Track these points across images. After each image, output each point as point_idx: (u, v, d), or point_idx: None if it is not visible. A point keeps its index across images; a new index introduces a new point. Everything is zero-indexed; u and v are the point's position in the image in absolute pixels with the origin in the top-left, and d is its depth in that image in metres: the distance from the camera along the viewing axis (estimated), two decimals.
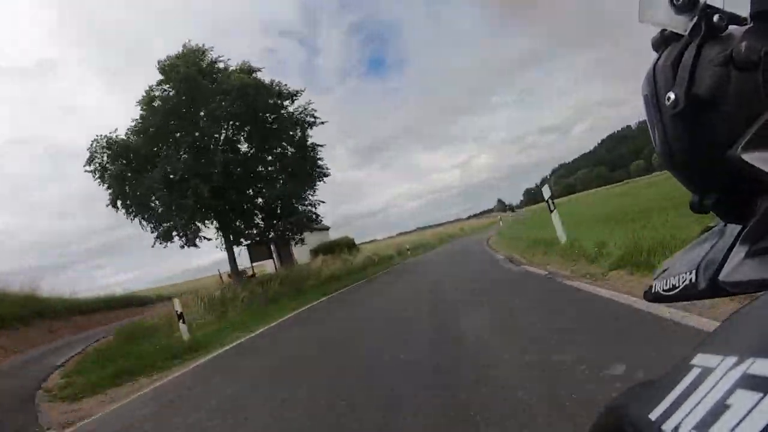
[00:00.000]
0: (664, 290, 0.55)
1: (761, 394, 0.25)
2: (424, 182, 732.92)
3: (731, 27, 0.41)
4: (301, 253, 24.86)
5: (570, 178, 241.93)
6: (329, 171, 19.61)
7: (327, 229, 28.86)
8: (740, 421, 0.25)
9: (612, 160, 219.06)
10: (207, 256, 28.42)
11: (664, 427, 0.31)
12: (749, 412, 0.25)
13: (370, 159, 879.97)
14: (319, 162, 19.12)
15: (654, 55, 0.47)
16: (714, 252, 0.47)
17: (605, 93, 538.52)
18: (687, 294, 0.50)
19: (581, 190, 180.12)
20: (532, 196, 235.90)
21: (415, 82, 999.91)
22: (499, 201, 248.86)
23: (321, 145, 19.35)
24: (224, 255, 17.78)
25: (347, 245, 27.18)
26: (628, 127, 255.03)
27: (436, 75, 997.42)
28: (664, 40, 0.46)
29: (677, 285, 0.52)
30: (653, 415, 0.33)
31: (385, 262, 24.34)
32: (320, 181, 19.28)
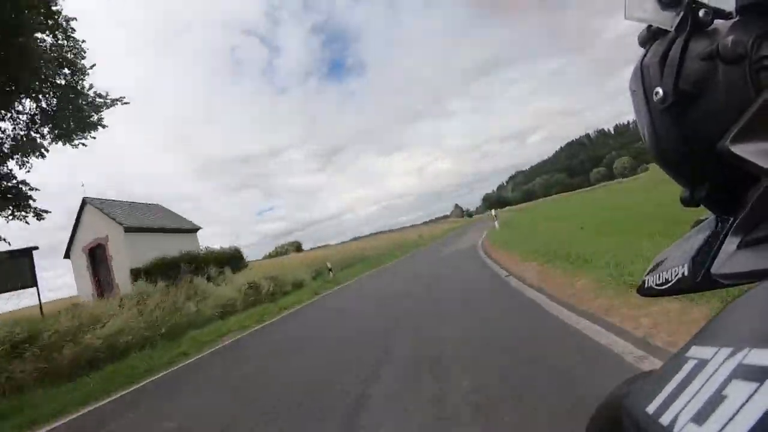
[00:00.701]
0: (657, 284, 0.55)
1: (757, 384, 0.25)
2: (380, 187, 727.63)
3: (717, 21, 0.42)
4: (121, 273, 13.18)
5: (529, 184, 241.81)
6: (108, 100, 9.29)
7: (195, 230, 17.08)
8: (737, 412, 0.25)
9: (572, 167, 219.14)
10: None
11: (661, 420, 0.31)
12: (745, 402, 0.25)
13: (328, 163, 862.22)
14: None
15: (641, 51, 0.47)
16: (706, 245, 0.47)
17: (562, 103, 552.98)
18: (680, 287, 0.50)
19: (542, 195, 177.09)
20: (493, 202, 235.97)
21: (375, 85, 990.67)
22: (457, 206, 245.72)
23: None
24: None
25: (227, 260, 15.47)
26: (587, 135, 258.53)
27: (396, 79, 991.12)
28: (650, 36, 0.46)
29: (670, 279, 0.52)
30: (650, 409, 0.34)
31: (260, 301, 12.74)
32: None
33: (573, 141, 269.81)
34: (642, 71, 0.46)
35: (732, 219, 0.43)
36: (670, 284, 0.52)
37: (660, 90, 0.42)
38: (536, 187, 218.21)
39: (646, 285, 0.59)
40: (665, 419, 0.31)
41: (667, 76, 0.42)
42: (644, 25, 0.46)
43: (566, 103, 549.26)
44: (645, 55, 0.46)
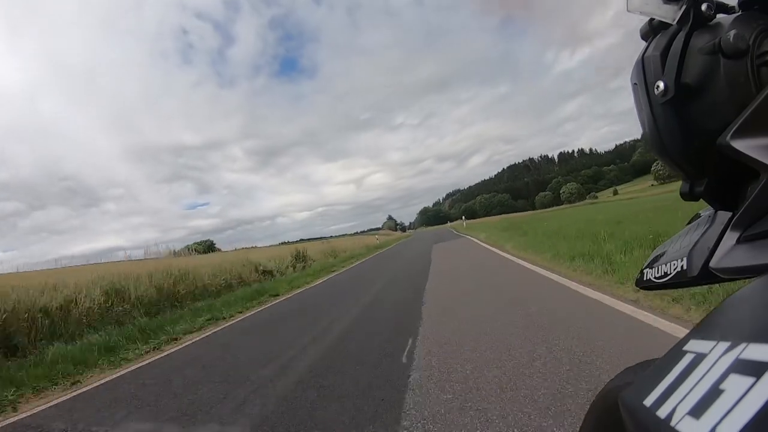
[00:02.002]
0: (655, 278, 0.55)
1: (754, 379, 0.25)
2: (316, 193, 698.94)
3: (719, 15, 0.42)
4: None
5: (469, 202, 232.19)
6: None
7: None
8: (734, 406, 0.25)
9: (517, 188, 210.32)
10: None
11: (658, 413, 0.31)
12: (742, 396, 0.25)
13: (267, 163, 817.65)
14: None
15: (643, 44, 0.47)
16: (705, 239, 0.47)
17: (503, 129, 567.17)
18: (679, 281, 0.50)
19: (483, 214, 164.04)
20: (431, 216, 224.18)
21: (324, 90, 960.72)
22: (390, 218, 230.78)
23: None
24: None
25: None
26: (531, 159, 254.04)
27: (346, 87, 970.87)
28: (652, 30, 0.46)
29: (669, 272, 0.52)
30: (648, 402, 0.33)
31: None
32: None
33: (517, 164, 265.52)
34: (643, 64, 0.45)
35: (731, 214, 0.43)
36: (668, 277, 0.52)
37: (661, 83, 0.42)
38: (477, 205, 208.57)
39: (644, 278, 0.58)
40: (662, 412, 0.31)
41: (668, 70, 0.42)
42: (646, 19, 0.45)
43: (507, 130, 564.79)
44: (647, 49, 0.46)
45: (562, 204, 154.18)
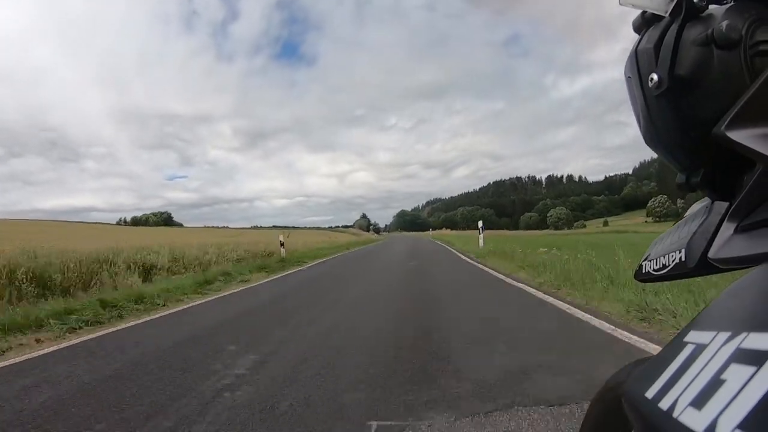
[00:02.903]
0: (654, 270, 0.55)
1: (755, 368, 0.25)
2: (298, 183, 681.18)
3: (711, 6, 0.42)
4: None
5: (450, 212, 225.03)
6: None
7: None
8: (735, 396, 0.25)
9: (502, 205, 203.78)
10: None
11: (660, 404, 0.32)
12: (744, 386, 0.25)
13: (254, 145, 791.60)
14: None
15: (636, 36, 0.47)
16: (702, 230, 0.47)
17: (492, 145, 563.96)
18: (677, 272, 0.50)
19: (463, 228, 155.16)
20: (407, 221, 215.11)
21: (321, 80, 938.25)
22: (364, 216, 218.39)
23: None
24: None
25: None
26: (518, 178, 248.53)
27: (344, 80, 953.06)
28: (645, 22, 0.46)
29: (667, 264, 0.52)
30: (650, 394, 0.34)
31: None
32: None
33: (503, 180, 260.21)
34: (637, 57, 0.45)
35: (728, 204, 0.43)
36: (667, 269, 0.52)
37: (655, 75, 0.42)
38: (458, 216, 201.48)
39: (643, 270, 0.58)
40: (665, 403, 0.31)
41: (662, 62, 0.42)
42: (639, 11, 0.46)
43: (496, 146, 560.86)
44: (640, 41, 0.46)
45: (548, 228, 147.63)
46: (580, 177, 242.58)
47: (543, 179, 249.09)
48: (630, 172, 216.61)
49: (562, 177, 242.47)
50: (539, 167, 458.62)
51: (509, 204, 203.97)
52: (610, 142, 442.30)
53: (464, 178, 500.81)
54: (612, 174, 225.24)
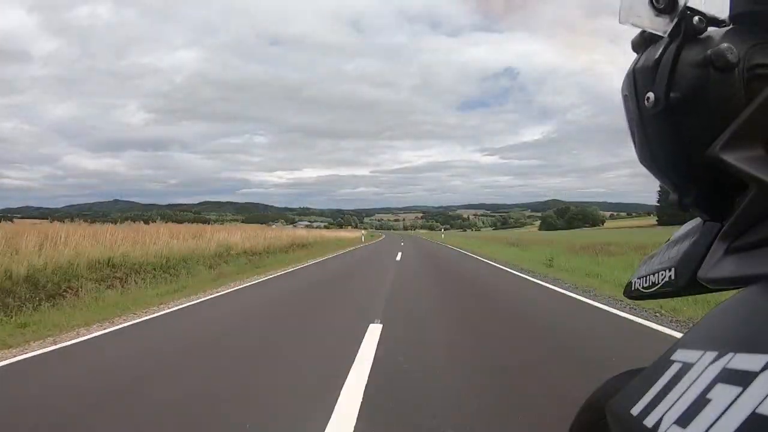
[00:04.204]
0: (644, 288, 0.55)
1: (741, 389, 0.25)
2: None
3: (711, 29, 0.42)
4: None
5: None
6: None
7: None
8: (720, 415, 0.25)
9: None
10: None
11: (645, 422, 0.31)
12: (729, 405, 0.25)
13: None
14: None
15: (634, 55, 0.47)
16: (693, 249, 0.47)
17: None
18: (666, 291, 0.51)
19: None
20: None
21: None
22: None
23: None
24: None
25: None
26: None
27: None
28: (644, 42, 0.46)
29: (657, 282, 0.52)
30: (635, 410, 0.33)
31: None
32: None
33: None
34: (634, 76, 0.45)
35: (719, 225, 0.43)
36: (656, 287, 0.52)
37: (651, 95, 0.42)
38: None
39: (633, 287, 0.58)
40: (650, 421, 0.31)
41: (659, 82, 0.42)
42: (638, 30, 0.46)
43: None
44: (637, 60, 0.46)
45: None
46: None
47: None
48: None
49: None
50: None
51: None
52: None
53: None
54: None
